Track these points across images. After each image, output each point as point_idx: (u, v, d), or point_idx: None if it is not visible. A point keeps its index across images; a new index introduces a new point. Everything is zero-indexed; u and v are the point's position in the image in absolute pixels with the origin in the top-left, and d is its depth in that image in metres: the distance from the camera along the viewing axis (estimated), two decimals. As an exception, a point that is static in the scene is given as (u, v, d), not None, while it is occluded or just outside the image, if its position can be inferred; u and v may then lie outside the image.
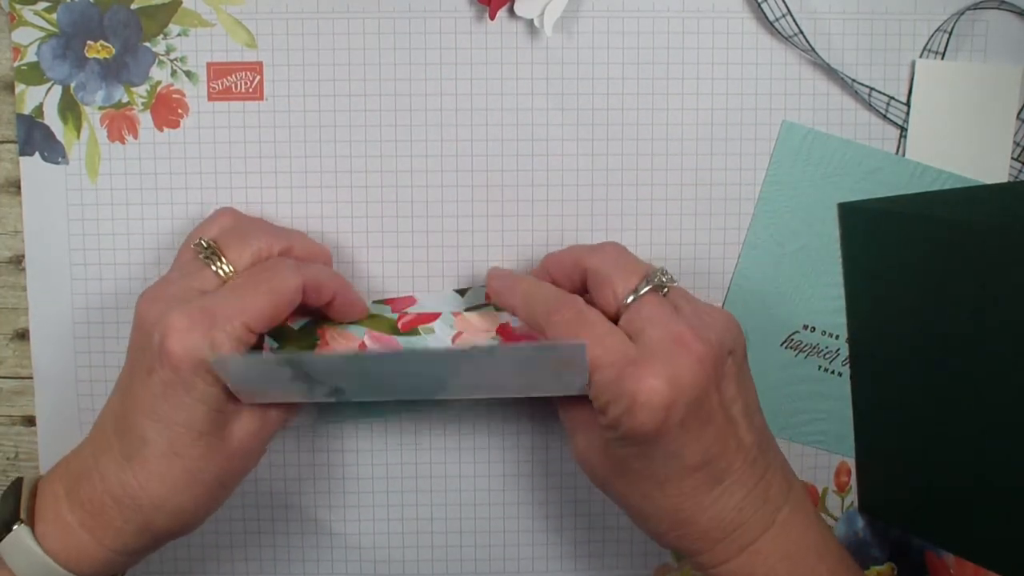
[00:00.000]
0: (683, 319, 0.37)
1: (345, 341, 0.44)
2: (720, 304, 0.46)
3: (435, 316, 0.45)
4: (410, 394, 0.41)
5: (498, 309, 0.45)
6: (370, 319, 0.44)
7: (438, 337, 0.44)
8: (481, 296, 0.46)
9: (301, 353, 0.41)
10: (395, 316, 0.45)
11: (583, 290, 0.41)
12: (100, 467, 0.38)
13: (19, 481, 0.39)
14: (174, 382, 0.37)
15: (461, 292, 0.46)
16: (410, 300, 0.46)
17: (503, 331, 0.44)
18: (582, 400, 0.39)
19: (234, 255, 0.40)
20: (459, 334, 0.44)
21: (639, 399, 0.35)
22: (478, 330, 0.44)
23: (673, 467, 0.37)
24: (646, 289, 0.38)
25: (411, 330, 0.44)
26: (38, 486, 0.39)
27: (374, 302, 0.46)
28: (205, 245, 0.40)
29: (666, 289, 0.39)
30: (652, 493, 0.38)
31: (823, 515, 0.48)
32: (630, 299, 0.38)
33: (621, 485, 0.39)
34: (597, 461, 0.39)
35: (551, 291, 0.40)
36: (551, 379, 0.38)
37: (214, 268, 0.40)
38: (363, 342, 0.44)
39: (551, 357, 0.37)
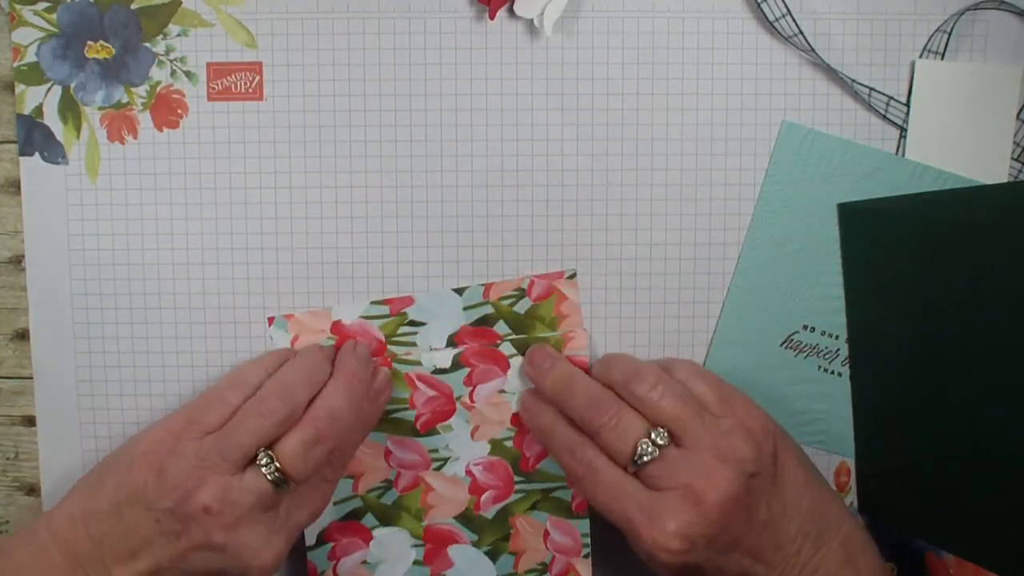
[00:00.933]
0: (693, 465, 0.39)
1: (371, 451, 0.46)
2: (720, 306, 0.46)
3: (450, 412, 0.46)
4: None
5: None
6: (388, 423, 0.46)
7: (456, 434, 0.46)
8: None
9: None
10: (412, 417, 0.46)
11: None
12: None
13: None
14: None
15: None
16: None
17: (517, 421, 0.46)
18: None
19: (291, 470, 0.40)
20: (476, 428, 0.46)
21: (655, 553, 0.39)
22: (493, 423, 0.46)
23: None
24: (645, 459, 0.40)
25: (430, 430, 0.46)
26: None
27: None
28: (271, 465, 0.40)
29: (666, 443, 0.40)
30: None
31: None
32: (637, 460, 0.40)
33: None
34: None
35: (563, 440, 0.43)
36: None
37: (269, 476, 0.40)
38: (387, 448, 0.46)
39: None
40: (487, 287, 0.46)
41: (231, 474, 0.39)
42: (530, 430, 0.46)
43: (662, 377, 0.41)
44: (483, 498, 0.47)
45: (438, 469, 0.47)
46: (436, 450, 0.47)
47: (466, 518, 0.47)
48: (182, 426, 0.40)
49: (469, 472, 0.47)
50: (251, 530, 0.39)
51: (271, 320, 0.46)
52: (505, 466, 0.47)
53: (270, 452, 0.40)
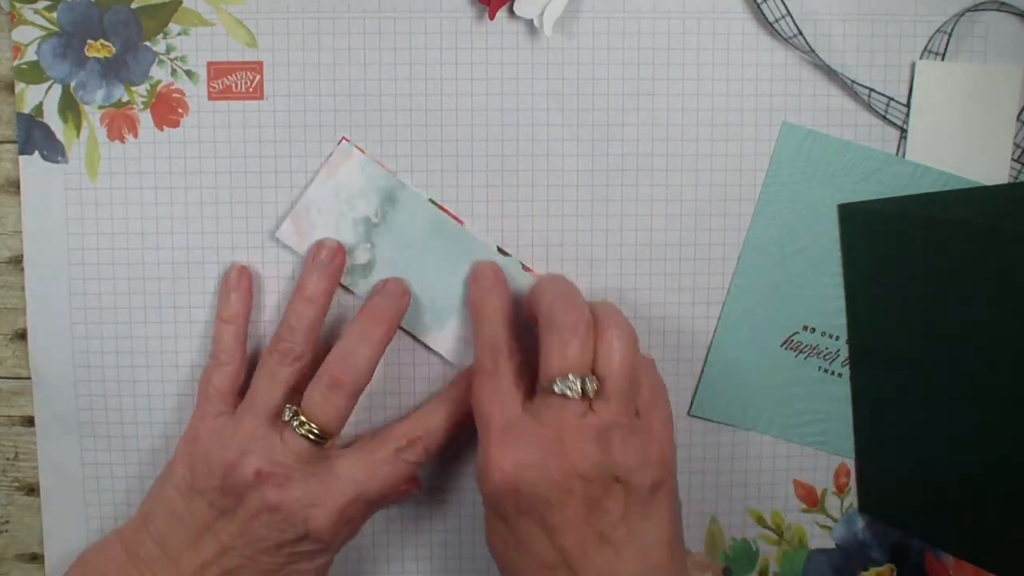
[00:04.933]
0: (581, 429, 0.38)
1: None
2: (720, 306, 0.46)
3: None
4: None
5: None
6: None
7: None
8: None
9: None
10: None
11: None
12: None
13: None
14: (323, 551, 0.42)
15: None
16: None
17: None
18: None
19: (318, 419, 0.41)
20: None
21: (486, 468, 0.38)
22: None
23: (525, 560, 0.38)
24: (559, 389, 0.38)
25: None
26: None
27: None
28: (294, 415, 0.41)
29: (590, 393, 0.38)
30: None
31: (823, 515, 0.48)
32: (552, 386, 0.39)
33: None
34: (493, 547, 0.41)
35: (495, 334, 0.42)
36: None
37: (302, 432, 0.41)
38: None
39: None
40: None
41: (271, 431, 0.41)
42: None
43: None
44: None
45: None
46: None
47: None
48: (204, 410, 0.43)
49: None
50: (302, 486, 0.40)
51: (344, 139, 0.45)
52: None
53: (294, 407, 0.41)
